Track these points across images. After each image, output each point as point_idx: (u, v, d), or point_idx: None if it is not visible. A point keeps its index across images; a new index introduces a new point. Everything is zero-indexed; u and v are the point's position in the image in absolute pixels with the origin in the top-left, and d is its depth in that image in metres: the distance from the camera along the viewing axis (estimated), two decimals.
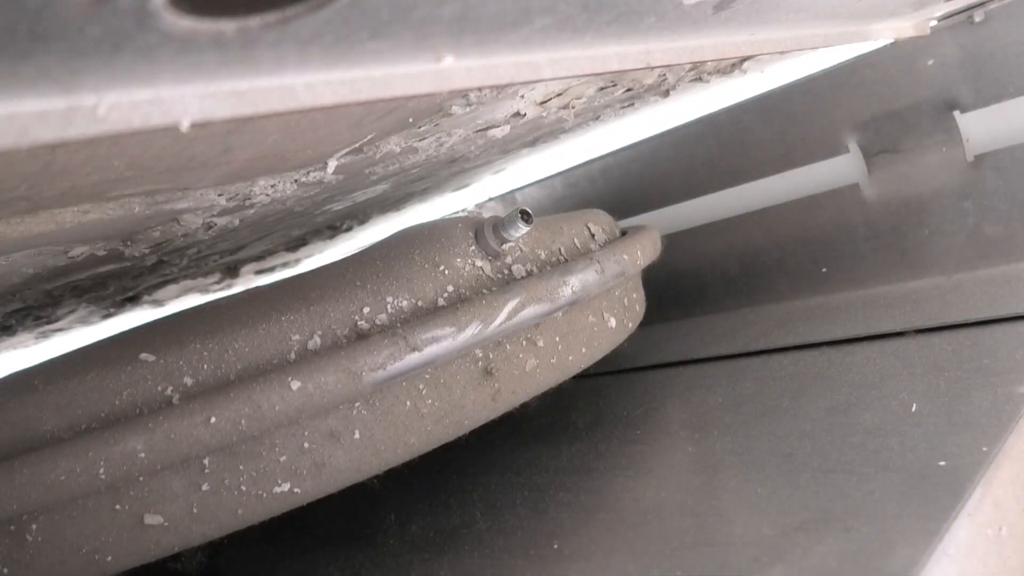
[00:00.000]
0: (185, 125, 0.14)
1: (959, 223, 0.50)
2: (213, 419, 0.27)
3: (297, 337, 0.31)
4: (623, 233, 0.45)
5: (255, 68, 0.15)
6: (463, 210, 0.83)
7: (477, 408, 0.33)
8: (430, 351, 0.30)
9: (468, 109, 0.31)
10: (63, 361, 0.33)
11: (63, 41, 0.11)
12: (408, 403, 0.31)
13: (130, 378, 0.29)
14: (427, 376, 0.32)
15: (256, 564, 0.38)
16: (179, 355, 0.30)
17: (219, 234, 0.41)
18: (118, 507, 0.28)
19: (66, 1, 0.09)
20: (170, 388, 0.29)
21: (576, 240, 0.40)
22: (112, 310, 0.67)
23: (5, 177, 0.20)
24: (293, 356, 0.30)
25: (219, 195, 0.32)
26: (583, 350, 0.38)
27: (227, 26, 0.12)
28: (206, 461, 0.29)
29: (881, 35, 0.41)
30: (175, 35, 0.12)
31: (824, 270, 0.56)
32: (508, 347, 0.34)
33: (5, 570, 0.29)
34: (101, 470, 0.27)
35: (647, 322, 0.46)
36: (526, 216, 0.33)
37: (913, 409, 0.31)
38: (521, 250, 0.36)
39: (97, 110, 0.13)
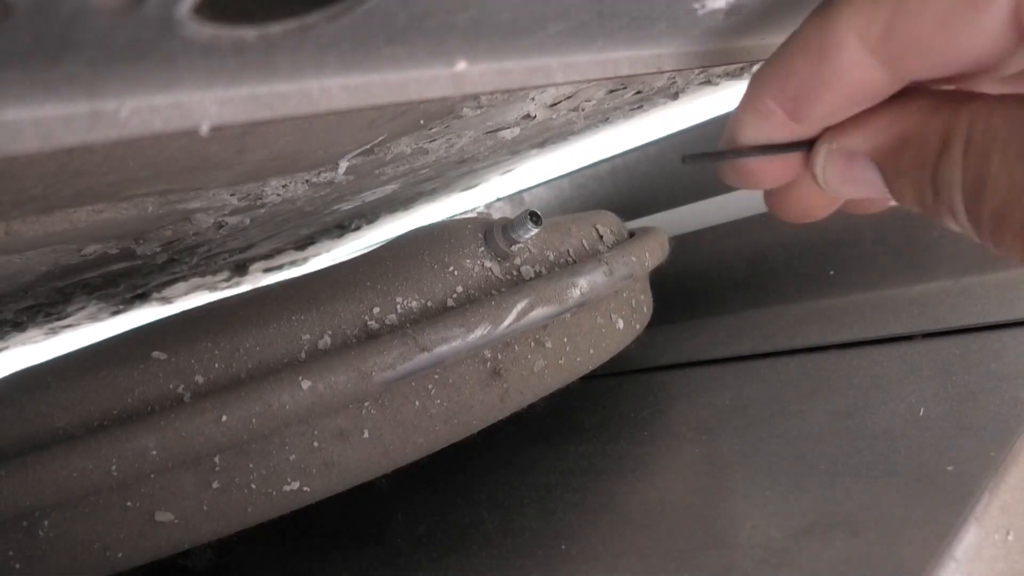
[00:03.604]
0: (204, 129, 0.14)
1: None
2: (224, 417, 0.28)
3: (307, 336, 0.31)
4: (631, 235, 0.45)
5: (273, 73, 0.15)
6: (472, 210, 0.84)
7: (485, 408, 0.33)
8: (439, 351, 0.31)
9: (479, 111, 0.31)
10: (75, 358, 0.33)
11: (90, 48, 0.11)
12: (417, 403, 0.32)
13: (142, 376, 0.30)
14: (436, 376, 0.32)
15: (265, 562, 0.39)
16: (190, 353, 0.30)
17: (229, 233, 0.42)
18: (129, 504, 0.29)
19: (97, 9, 0.10)
20: (182, 386, 0.30)
21: (584, 241, 0.40)
22: (121, 307, 0.67)
23: (23, 177, 0.20)
24: (304, 355, 0.31)
25: (231, 195, 0.32)
26: (591, 351, 0.38)
27: (248, 33, 0.12)
28: (217, 459, 0.29)
29: None
30: (197, 42, 0.12)
31: (832, 272, 0.56)
32: (516, 348, 0.34)
33: (17, 566, 0.29)
34: (113, 467, 0.27)
35: (654, 323, 0.46)
36: (535, 218, 0.33)
37: (921, 413, 0.31)
38: (530, 251, 0.37)
39: (119, 115, 0.13)
